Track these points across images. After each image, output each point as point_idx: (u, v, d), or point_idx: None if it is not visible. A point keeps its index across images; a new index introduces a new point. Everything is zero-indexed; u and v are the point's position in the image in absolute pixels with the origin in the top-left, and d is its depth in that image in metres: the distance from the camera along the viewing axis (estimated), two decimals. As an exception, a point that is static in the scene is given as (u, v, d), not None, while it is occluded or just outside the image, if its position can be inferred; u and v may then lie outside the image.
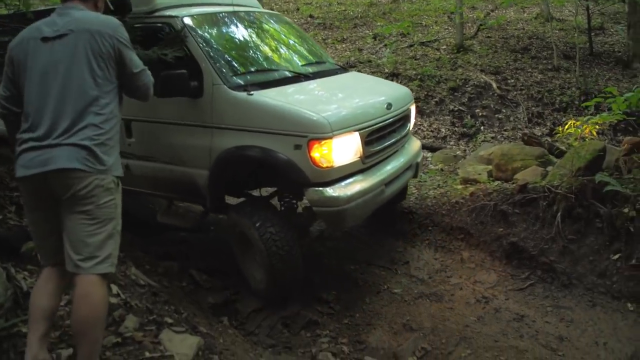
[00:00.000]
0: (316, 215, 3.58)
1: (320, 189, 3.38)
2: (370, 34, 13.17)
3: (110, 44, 2.31)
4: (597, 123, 4.86)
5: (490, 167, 6.01)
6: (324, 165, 3.32)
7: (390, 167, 3.95)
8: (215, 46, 3.84)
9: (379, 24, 13.92)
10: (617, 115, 4.61)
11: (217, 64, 3.64)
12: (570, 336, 3.46)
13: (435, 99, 9.58)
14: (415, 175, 4.57)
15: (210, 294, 3.90)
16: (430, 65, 10.68)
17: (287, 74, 3.99)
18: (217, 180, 3.68)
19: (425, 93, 9.69)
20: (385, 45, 12.18)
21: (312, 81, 4.05)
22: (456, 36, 11.95)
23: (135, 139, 4.08)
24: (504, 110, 9.24)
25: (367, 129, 3.59)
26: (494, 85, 9.77)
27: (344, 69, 4.72)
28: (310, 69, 4.27)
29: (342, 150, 3.40)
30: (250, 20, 4.53)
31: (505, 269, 4.29)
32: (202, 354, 2.67)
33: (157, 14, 3.98)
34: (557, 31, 11.94)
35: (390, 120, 3.91)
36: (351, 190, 3.46)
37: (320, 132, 3.27)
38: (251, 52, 4.23)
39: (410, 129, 4.53)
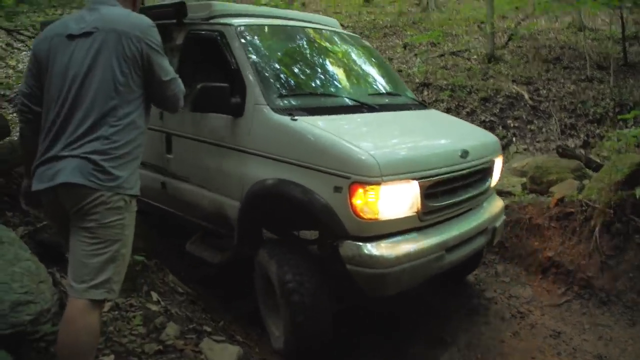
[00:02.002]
0: (351, 276, 2.50)
1: (359, 244, 2.43)
2: (400, 43, 11.95)
3: (138, 48, 1.83)
4: (635, 136, 4.41)
5: (524, 179, 5.44)
6: (367, 217, 2.39)
7: (458, 229, 2.82)
8: (266, 61, 3.04)
9: (409, 33, 12.64)
10: None
11: (264, 81, 2.83)
12: (610, 355, 3.04)
13: (467, 110, 8.54)
14: (491, 243, 3.25)
15: (246, 302, 3.35)
16: (461, 75, 9.55)
17: (347, 102, 3.09)
18: (247, 214, 2.83)
19: (457, 103, 8.68)
20: (416, 54, 11.02)
21: (375, 114, 3.04)
22: (487, 46, 10.75)
23: (174, 156, 3.37)
24: (536, 122, 8.21)
25: (429, 179, 2.58)
26: (526, 95, 8.68)
27: (422, 104, 3.67)
28: (378, 100, 3.29)
29: (393, 200, 2.44)
30: (318, 39, 3.63)
31: (540, 284, 3.85)
32: None
33: (213, 20, 3.22)
34: (589, 41, 10.55)
35: (465, 172, 2.82)
36: (399, 250, 2.47)
37: (365, 175, 2.35)
38: (309, 73, 3.34)
39: (493, 185, 3.27)
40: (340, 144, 2.49)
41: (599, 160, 5.74)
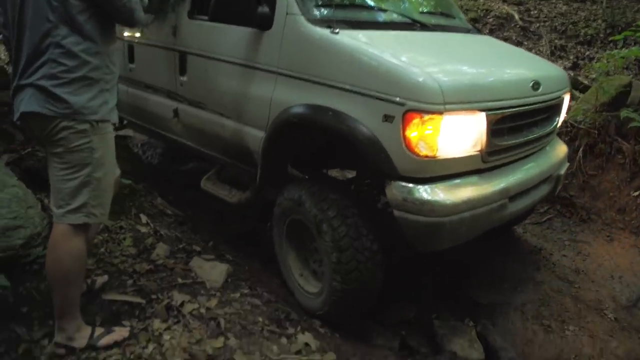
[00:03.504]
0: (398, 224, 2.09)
1: (410, 185, 2.02)
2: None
3: None
4: (623, 57, 4.45)
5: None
6: (422, 153, 1.95)
7: (522, 174, 2.41)
8: None
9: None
10: None
11: None
12: (587, 269, 3.18)
13: (456, 31, 8.19)
14: (553, 192, 2.84)
15: (235, 222, 3.37)
16: (450, -6, 9.01)
17: (396, 17, 2.57)
18: (273, 147, 2.43)
19: (445, 25, 8.32)
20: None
21: (430, 33, 2.58)
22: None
23: (188, 78, 2.92)
24: (526, 43, 7.71)
25: (498, 111, 2.13)
26: (516, 16, 8.17)
27: (478, 30, 3.14)
28: (431, 19, 2.76)
29: (455, 134, 2.00)
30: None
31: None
32: (230, 280, 2.46)
33: None
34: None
35: (535, 106, 2.37)
36: (457, 196, 2.06)
37: (424, 101, 1.89)
38: None
39: (558, 126, 2.83)
40: (393, 63, 2.01)
41: (587, 82, 5.56)
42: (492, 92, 2.15)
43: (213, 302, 2.23)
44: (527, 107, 2.32)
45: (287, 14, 2.30)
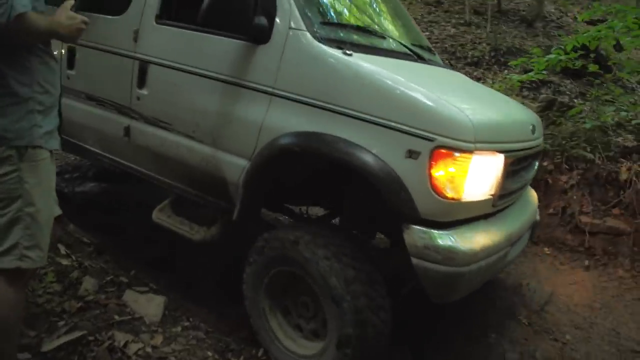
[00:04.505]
0: (415, 272, 1.86)
1: (432, 231, 1.80)
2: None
3: None
4: (520, 81, 4.98)
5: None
6: (449, 195, 1.77)
7: (517, 220, 2.29)
8: None
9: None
10: (539, 74, 4.81)
11: (303, 2, 2.07)
12: (497, 279, 3.20)
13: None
14: (532, 239, 2.80)
15: (148, 248, 3.10)
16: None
17: (395, 46, 2.42)
18: (259, 178, 2.12)
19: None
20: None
21: (429, 66, 2.47)
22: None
23: (148, 91, 2.48)
24: None
25: (512, 153, 2.02)
26: None
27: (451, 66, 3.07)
28: (422, 52, 2.64)
29: (480, 175, 1.85)
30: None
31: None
32: (168, 313, 2.36)
33: None
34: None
35: (533, 150, 2.33)
36: (476, 243, 1.87)
37: (456, 138, 1.72)
38: (351, 4, 2.56)
39: None
40: (422, 93, 1.82)
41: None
42: (509, 134, 2.07)
43: (158, 340, 2.12)
44: (529, 151, 2.27)
45: (290, 28, 2.03)
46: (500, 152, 1.94)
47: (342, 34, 2.15)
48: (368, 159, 1.81)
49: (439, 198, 1.77)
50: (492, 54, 8.16)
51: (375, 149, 1.82)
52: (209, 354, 2.11)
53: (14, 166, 1.51)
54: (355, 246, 2.01)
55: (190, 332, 2.25)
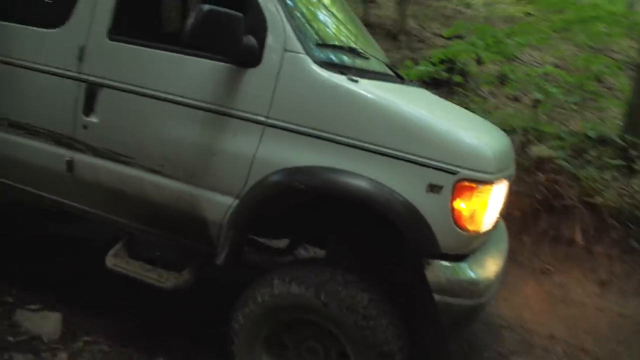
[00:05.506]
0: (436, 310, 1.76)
1: (455, 265, 1.74)
2: None
3: None
4: None
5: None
6: (470, 228, 1.71)
7: (499, 248, 2.20)
8: None
9: None
10: None
11: (296, 19, 1.88)
12: None
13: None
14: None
15: (24, 260, 2.85)
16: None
17: (380, 68, 2.33)
18: (247, 216, 1.89)
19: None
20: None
21: (412, 88, 2.39)
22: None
23: (99, 119, 2.10)
24: None
25: (510, 179, 2.03)
26: None
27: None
28: (392, 72, 2.54)
29: (496, 205, 1.83)
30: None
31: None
32: (66, 329, 2.33)
33: None
34: None
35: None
36: (491, 272, 1.86)
37: (480, 170, 1.67)
38: (334, 20, 2.39)
39: None
40: (441, 124, 1.74)
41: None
42: (509, 159, 2.08)
43: (62, 357, 2.14)
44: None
45: (285, 50, 1.83)
46: (507, 179, 1.94)
47: (339, 57, 2.01)
48: (390, 196, 1.69)
49: (461, 231, 1.71)
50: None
51: (392, 184, 1.70)
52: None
53: None
54: (383, 294, 1.87)
55: (93, 347, 2.27)
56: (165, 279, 2.14)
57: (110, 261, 2.24)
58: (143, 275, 2.17)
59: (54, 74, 2.20)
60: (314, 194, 1.81)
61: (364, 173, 1.72)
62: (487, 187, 1.71)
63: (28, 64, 2.26)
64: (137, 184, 2.10)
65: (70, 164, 2.22)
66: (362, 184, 1.71)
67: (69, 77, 2.16)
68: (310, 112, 1.81)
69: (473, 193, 1.68)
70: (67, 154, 2.22)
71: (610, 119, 5.76)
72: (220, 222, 1.95)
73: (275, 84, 1.83)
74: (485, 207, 1.73)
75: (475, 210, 1.71)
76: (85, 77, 2.14)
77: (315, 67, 1.81)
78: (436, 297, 1.73)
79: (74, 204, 2.31)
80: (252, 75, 1.86)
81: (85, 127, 2.16)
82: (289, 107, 1.83)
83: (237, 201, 1.91)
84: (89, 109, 2.14)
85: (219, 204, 1.94)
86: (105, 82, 2.09)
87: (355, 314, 1.75)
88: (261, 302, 1.90)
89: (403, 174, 1.70)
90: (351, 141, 1.75)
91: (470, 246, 1.80)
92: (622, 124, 4.75)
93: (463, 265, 1.75)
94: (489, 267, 1.88)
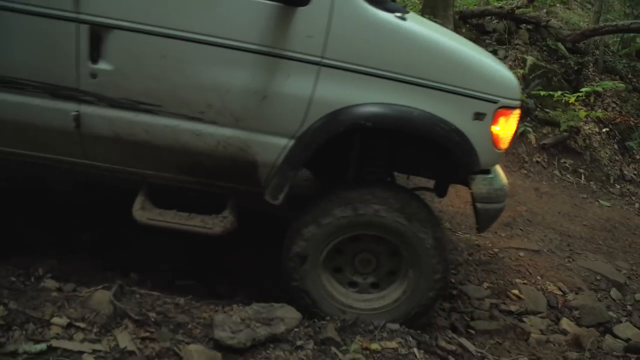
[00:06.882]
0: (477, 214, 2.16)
1: (490, 176, 2.12)
2: None
3: None
4: None
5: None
6: (502, 146, 2.08)
7: None
8: None
9: None
10: None
11: None
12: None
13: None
14: None
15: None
16: None
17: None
18: (304, 155, 1.98)
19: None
20: None
21: (426, 20, 2.60)
22: None
23: (113, 66, 1.88)
24: None
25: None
26: None
27: None
28: None
29: (515, 127, 2.19)
30: None
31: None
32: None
33: None
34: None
35: None
36: (505, 179, 2.25)
37: (513, 98, 2.01)
38: None
39: None
40: (483, 59, 2.01)
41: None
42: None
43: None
44: None
45: (338, -10, 1.83)
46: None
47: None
48: (446, 126, 1.94)
49: (497, 150, 2.07)
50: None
51: (445, 115, 1.94)
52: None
53: None
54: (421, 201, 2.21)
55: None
56: (212, 224, 2.13)
57: (140, 215, 2.13)
58: (185, 225, 2.14)
59: (42, 15, 1.85)
60: (377, 130, 1.97)
61: (420, 107, 1.92)
62: (516, 111, 2.06)
63: (11, 5, 1.85)
64: (170, 133, 2.00)
65: (77, 119, 1.98)
66: (423, 118, 1.92)
67: (67, 19, 1.85)
68: (366, 51, 1.89)
69: (507, 117, 2.02)
70: (71, 108, 1.97)
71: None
72: (272, 163, 2.01)
73: (328, 23, 1.85)
74: (513, 128, 2.10)
75: (506, 130, 2.06)
76: (87, 17, 1.85)
77: (367, 6, 1.86)
78: (478, 205, 2.11)
79: (85, 160, 2.11)
80: (302, 16, 1.84)
81: (94, 75, 1.92)
82: (345, 47, 1.88)
83: (292, 142, 1.97)
84: (97, 55, 1.90)
85: (272, 146, 1.99)
86: (113, 21, 1.85)
87: (430, 231, 2.06)
88: (327, 224, 2.06)
89: (454, 105, 1.94)
90: (407, 78, 1.91)
91: (497, 161, 2.19)
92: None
93: (493, 176, 2.15)
94: (503, 174, 2.31)
